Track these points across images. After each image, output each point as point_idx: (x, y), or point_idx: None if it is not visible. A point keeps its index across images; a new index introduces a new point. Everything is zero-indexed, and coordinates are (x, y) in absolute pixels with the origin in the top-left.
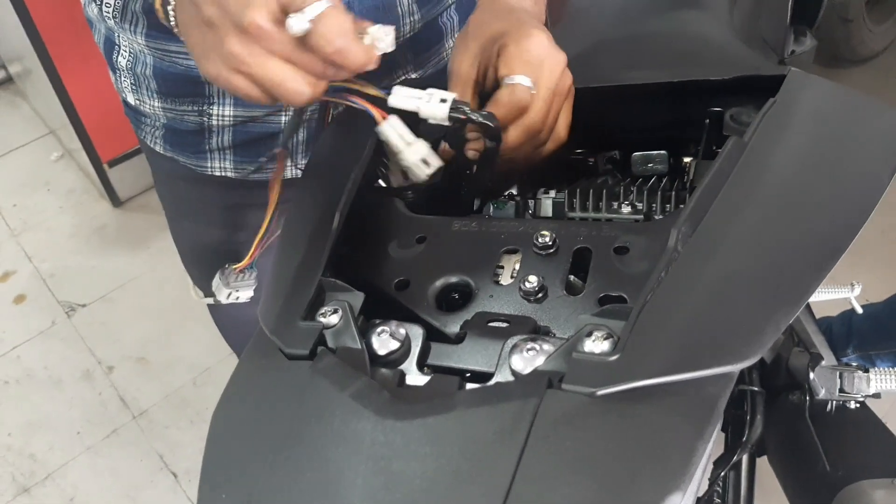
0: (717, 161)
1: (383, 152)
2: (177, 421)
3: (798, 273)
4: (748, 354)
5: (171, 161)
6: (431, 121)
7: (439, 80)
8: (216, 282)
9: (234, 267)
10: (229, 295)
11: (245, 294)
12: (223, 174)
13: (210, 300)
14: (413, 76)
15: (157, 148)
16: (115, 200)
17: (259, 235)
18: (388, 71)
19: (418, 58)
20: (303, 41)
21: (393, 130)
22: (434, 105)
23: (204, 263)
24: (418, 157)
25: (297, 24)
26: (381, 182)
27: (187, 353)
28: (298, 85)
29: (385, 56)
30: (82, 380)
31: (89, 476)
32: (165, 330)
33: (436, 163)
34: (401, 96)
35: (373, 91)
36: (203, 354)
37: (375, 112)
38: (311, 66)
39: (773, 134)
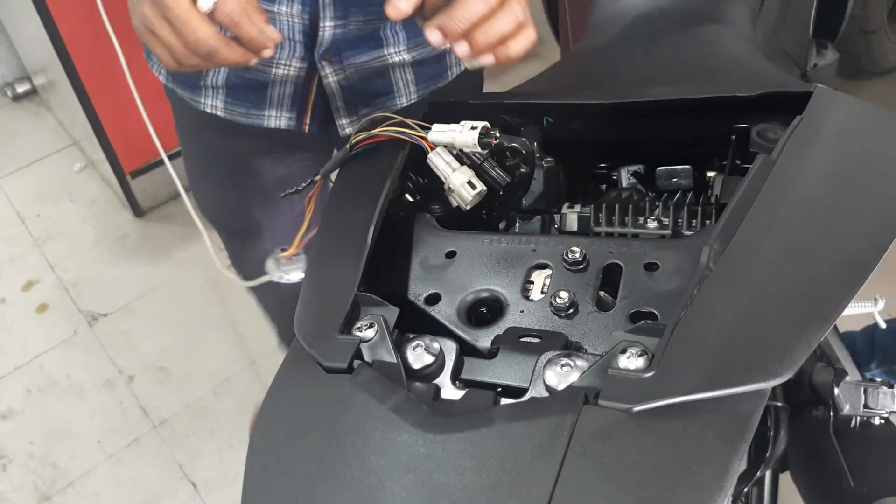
0: (747, 179)
1: (413, 169)
2: (197, 431)
3: (828, 291)
4: (781, 372)
5: (179, 100)
6: (466, 149)
7: (432, 65)
8: (269, 265)
9: (283, 255)
10: (280, 278)
11: (296, 276)
12: (213, 112)
13: (253, 282)
14: (406, 56)
15: (161, 78)
16: (138, 211)
17: (302, 230)
18: (376, 46)
19: (409, 40)
20: (211, 16)
21: (440, 158)
22: (466, 134)
23: (221, 221)
24: (463, 180)
25: (205, 3)
26: (408, 196)
27: (207, 363)
28: (184, 56)
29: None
30: (104, 389)
31: (110, 485)
32: (186, 340)
33: (479, 186)
34: (438, 131)
35: (418, 129)
36: (223, 364)
37: (425, 142)
38: (204, 41)
39: (801, 151)
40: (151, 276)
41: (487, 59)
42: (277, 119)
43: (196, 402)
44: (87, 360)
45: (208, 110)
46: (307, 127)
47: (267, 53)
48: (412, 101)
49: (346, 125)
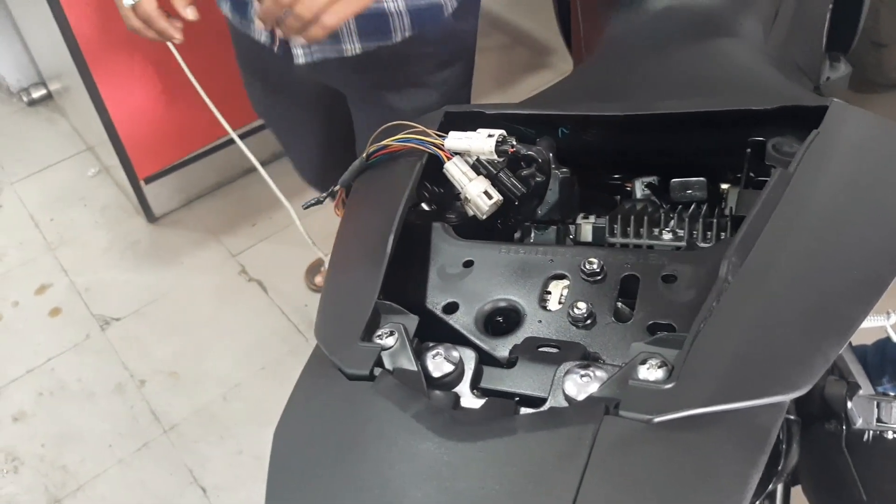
0: (764, 192)
1: (429, 177)
2: (206, 436)
3: (845, 304)
4: (799, 384)
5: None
6: (482, 157)
7: (371, 21)
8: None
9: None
10: None
11: None
12: (228, 17)
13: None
14: (357, 51)
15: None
16: (150, 216)
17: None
18: (334, 41)
19: (361, 33)
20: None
21: (456, 168)
22: (483, 141)
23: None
24: (480, 190)
25: (127, 2)
26: (424, 205)
27: (217, 368)
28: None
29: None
30: (114, 393)
31: (120, 489)
32: (196, 345)
33: (496, 196)
34: (454, 139)
35: (434, 137)
36: (233, 370)
37: (442, 153)
38: (128, 23)
39: (817, 166)
40: (163, 282)
41: (314, 32)
42: (259, 34)
43: (206, 408)
44: (99, 364)
45: (226, 14)
46: (276, 48)
47: (175, 41)
48: (357, 52)
49: (300, 55)
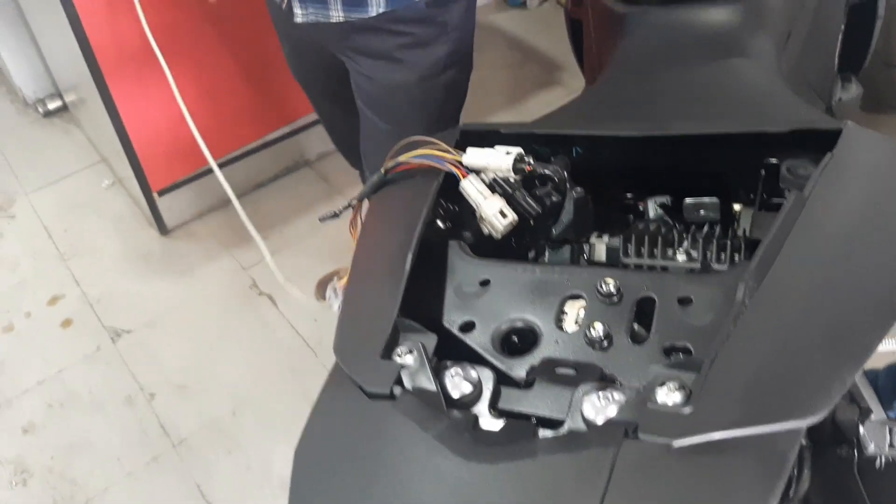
0: (780, 216)
1: (444, 193)
2: (214, 450)
3: (861, 329)
4: (817, 409)
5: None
6: (499, 174)
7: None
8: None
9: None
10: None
11: None
12: None
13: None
14: (341, 18)
15: None
16: (163, 228)
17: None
18: (323, 7)
19: (343, 3)
20: None
21: (472, 186)
22: (500, 159)
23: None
24: (495, 210)
25: None
26: (440, 222)
27: (227, 382)
28: None
29: None
30: (124, 405)
31: (128, 502)
32: (206, 358)
33: (511, 215)
34: (472, 155)
35: (452, 153)
36: (242, 384)
37: (457, 170)
38: None
39: (832, 189)
40: (174, 294)
41: None
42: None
43: (215, 422)
44: (109, 376)
45: None
46: (283, 5)
47: None
48: (340, 19)
49: (298, 15)
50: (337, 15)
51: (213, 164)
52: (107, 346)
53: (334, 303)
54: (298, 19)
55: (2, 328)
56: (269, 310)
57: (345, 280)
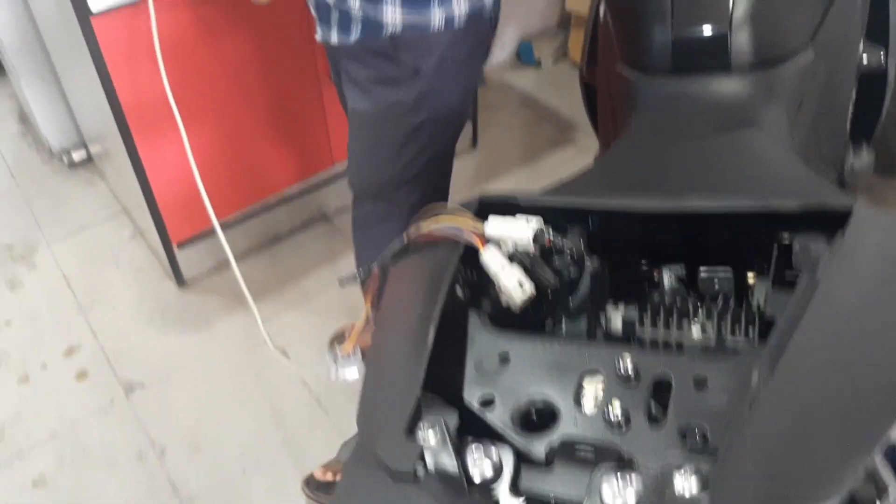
0: (792, 301)
1: (463, 259)
2: None
3: (874, 414)
4: (829, 496)
5: None
6: (519, 246)
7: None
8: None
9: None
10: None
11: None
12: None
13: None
14: (319, 39)
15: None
16: (180, 281)
17: (359, 326)
18: (317, 24)
19: (321, 24)
20: None
21: (492, 258)
22: (521, 230)
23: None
24: (514, 282)
25: None
26: (458, 291)
27: (238, 439)
28: None
29: None
30: (135, 461)
31: None
32: (219, 415)
33: (529, 287)
34: (494, 225)
35: (472, 222)
36: (254, 443)
37: (477, 241)
38: None
39: (843, 273)
40: (190, 348)
41: None
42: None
43: (225, 481)
44: (122, 430)
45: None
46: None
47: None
48: (319, 40)
49: (317, 34)
50: (333, 38)
51: (216, 223)
52: (120, 399)
53: (332, 368)
54: (317, 38)
55: (17, 379)
56: (282, 365)
57: (347, 346)
